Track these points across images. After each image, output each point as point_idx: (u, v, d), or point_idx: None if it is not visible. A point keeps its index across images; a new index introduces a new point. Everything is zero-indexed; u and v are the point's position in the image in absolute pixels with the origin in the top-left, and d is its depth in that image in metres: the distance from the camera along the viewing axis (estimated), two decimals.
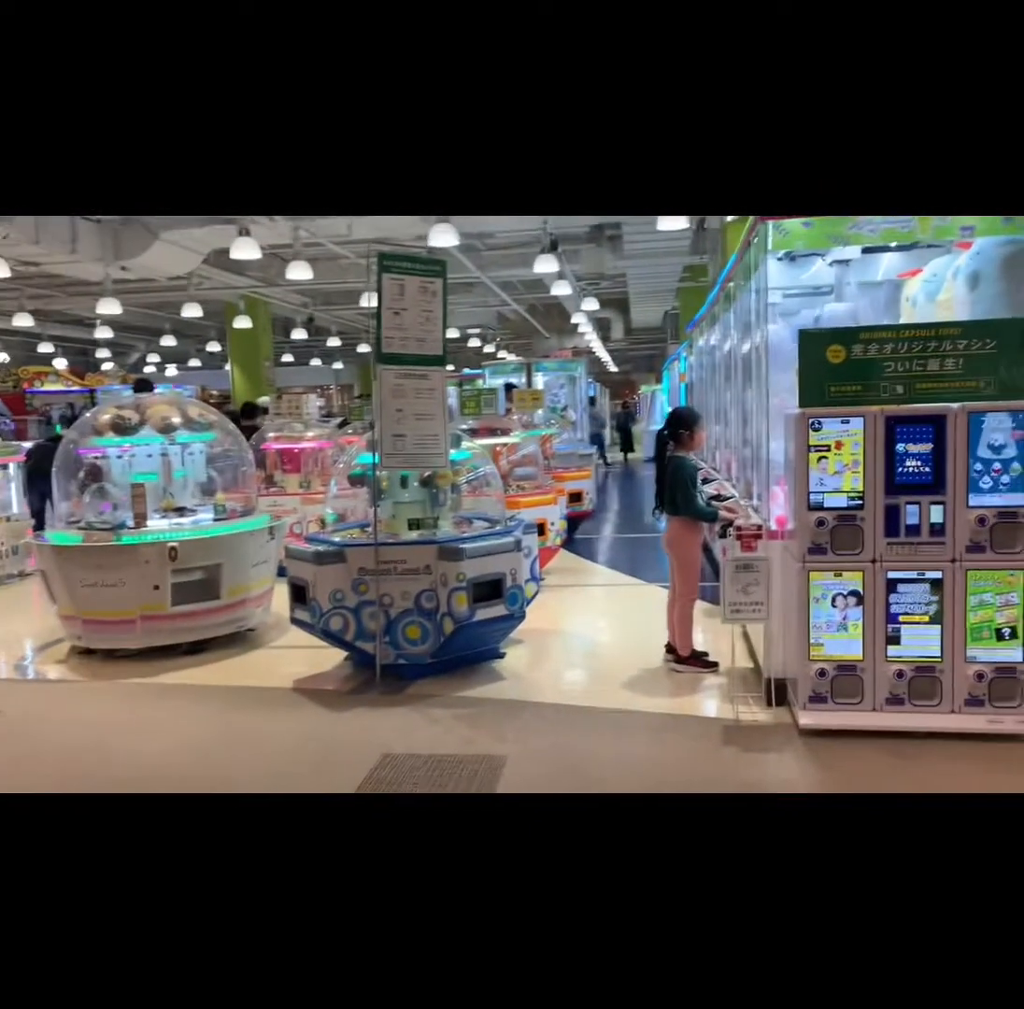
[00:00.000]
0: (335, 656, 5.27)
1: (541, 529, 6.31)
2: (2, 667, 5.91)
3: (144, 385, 9.95)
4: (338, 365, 26.70)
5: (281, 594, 6.09)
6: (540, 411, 9.21)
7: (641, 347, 28.82)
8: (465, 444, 5.59)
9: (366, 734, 4.14)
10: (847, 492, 3.80)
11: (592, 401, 21.67)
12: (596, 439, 20.38)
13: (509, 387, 9.47)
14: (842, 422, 3.78)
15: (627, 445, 21.66)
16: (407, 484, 5.04)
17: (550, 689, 4.80)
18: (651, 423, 21.18)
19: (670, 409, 8.58)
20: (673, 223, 9.20)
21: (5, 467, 8.74)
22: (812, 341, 3.85)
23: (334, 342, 20.31)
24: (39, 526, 8.89)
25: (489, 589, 4.78)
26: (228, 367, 18.24)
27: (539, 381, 10.85)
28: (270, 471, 8.46)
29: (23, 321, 14.05)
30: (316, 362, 24.63)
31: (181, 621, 5.50)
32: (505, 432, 7.47)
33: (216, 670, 5.32)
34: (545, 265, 11.17)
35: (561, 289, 13.25)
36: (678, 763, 3.75)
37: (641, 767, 3.69)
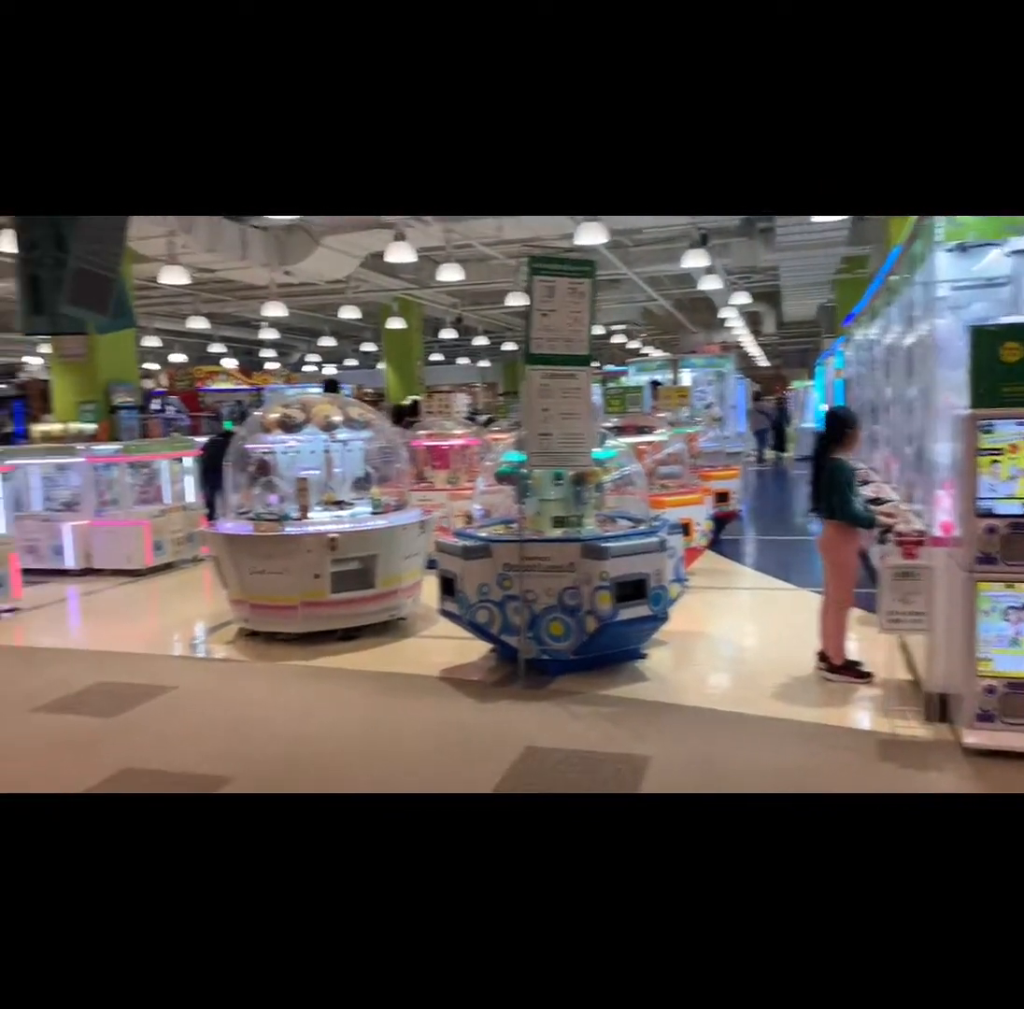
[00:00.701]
0: (480, 647, 5.42)
1: (686, 529, 6.23)
2: (178, 645, 6.45)
3: (332, 386, 10.58)
4: (484, 363, 27.23)
5: (430, 586, 6.33)
6: (686, 409, 9.06)
7: (793, 342, 27.77)
8: (610, 442, 5.60)
9: (509, 726, 4.24)
10: (1022, 499, 3.55)
11: (757, 396, 21.03)
12: (760, 436, 19.78)
13: (655, 384, 9.38)
14: (1018, 424, 3.53)
15: (780, 443, 20.95)
16: (560, 480, 5.08)
17: (693, 692, 4.75)
18: (803, 420, 20.34)
19: (826, 408, 8.23)
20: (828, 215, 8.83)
21: (182, 461, 9.47)
22: (985, 338, 3.61)
23: (481, 341, 20.72)
24: (211, 516, 9.61)
25: (632, 589, 4.77)
26: (382, 366, 18.98)
27: (686, 378, 10.67)
28: (420, 467, 8.76)
29: (198, 324, 15.16)
30: (463, 360, 25.21)
31: (338, 608, 5.81)
32: (650, 430, 7.41)
33: (368, 656, 5.59)
34: (694, 260, 10.99)
35: (710, 284, 12.97)
36: (830, 775, 3.63)
37: (790, 777, 3.60)
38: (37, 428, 11.11)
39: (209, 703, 4.84)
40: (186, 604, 7.83)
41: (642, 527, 5.19)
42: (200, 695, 4.98)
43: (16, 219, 7.08)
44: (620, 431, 6.94)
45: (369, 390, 21.86)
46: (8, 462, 7.61)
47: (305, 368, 25.75)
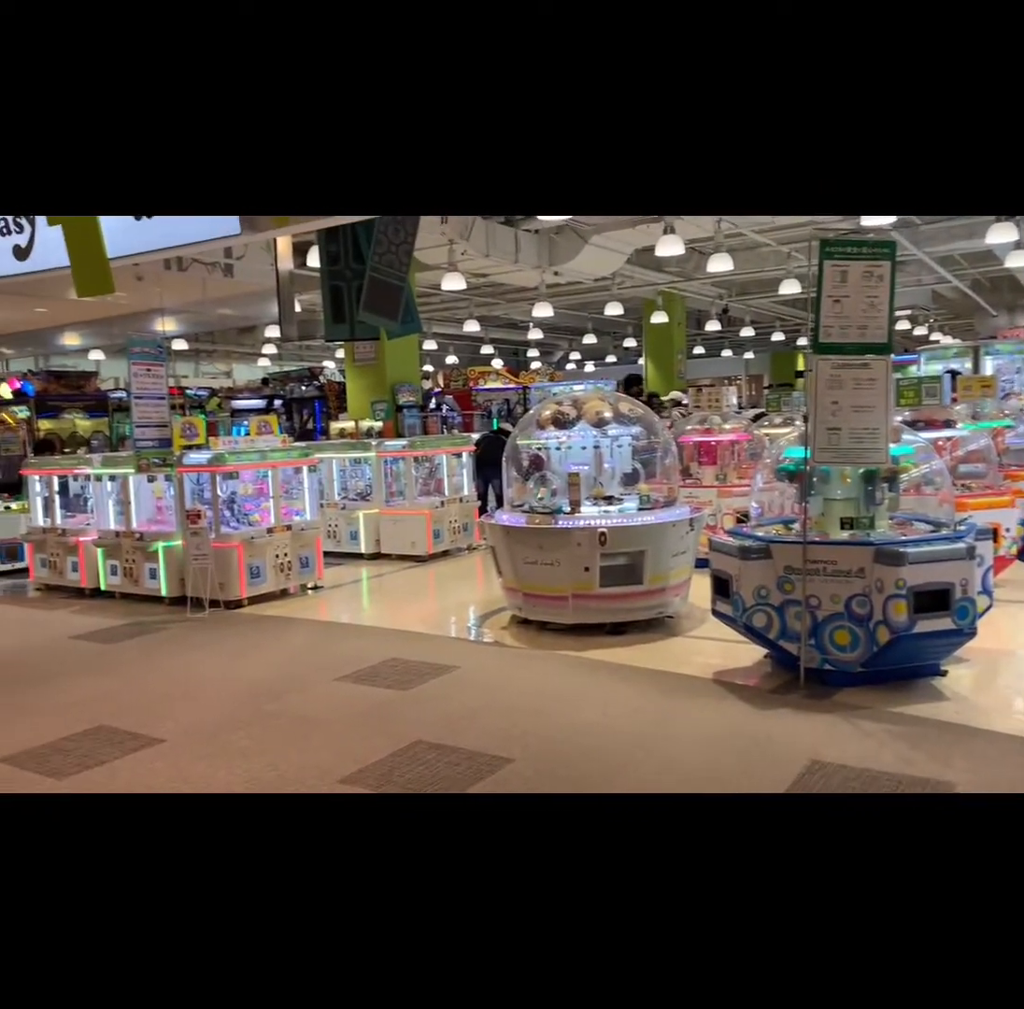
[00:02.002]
0: (752, 651, 5.22)
1: (994, 535, 5.57)
2: (457, 628, 6.85)
3: (635, 380, 10.83)
4: (749, 355, 26.26)
5: (698, 585, 6.20)
6: (990, 401, 8.09)
7: None
8: (907, 437, 5.14)
9: (792, 737, 4.04)
10: None
11: None
12: None
13: (953, 374, 8.48)
14: None
15: None
16: (872, 480, 4.72)
17: (1001, 717, 4.24)
18: None
19: None
20: None
21: (459, 456, 10.06)
22: None
23: (747, 332, 19.99)
24: (484, 508, 10.13)
25: (933, 599, 4.34)
26: (642, 361, 18.95)
27: (988, 366, 9.55)
28: (686, 463, 8.61)
29: (471, 327, 16.04)
30: (727, 353, 24.47)
31: (607, 602, 5.87)
32: (949, 424, 6.71)
33: (637, 652, 5.58)
34: (1000, 234, 9.82)
35: (1020, 260, 11.52)
36: None
37: None
38: (334, 425, 12.37)
39: (488, 685, 5.08)
40: (463, 589, 8.31)
41: (945, 531, 4.71)
42: (480, 676, 5.24)
43: (320, 234, 7.92)
44: (910, 426, 6.35)
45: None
46: (316, 456, 8.49)
47: (567, 366, 26.35)
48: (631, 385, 11.50)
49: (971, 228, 12.02)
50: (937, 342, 18.31)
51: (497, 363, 21.14)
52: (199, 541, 7.03)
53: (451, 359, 22.33)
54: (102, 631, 6.84)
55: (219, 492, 7.45)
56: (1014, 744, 3.88)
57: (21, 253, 6.03)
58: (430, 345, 18.76)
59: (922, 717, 4.20)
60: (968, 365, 9.79)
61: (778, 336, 21.54)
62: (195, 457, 7.54)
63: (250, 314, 15.37)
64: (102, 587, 8.15)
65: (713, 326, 17.61)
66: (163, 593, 7.64)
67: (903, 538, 4.60)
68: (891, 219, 8.97)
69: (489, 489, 10.81)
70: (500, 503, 8.47)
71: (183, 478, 7.52)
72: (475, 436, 11.57)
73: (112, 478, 8.09)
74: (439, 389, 17.61)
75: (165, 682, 5.39)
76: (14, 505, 9.79)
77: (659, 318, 16.35)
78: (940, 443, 6.38)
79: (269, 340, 17.23)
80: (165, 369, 7.77)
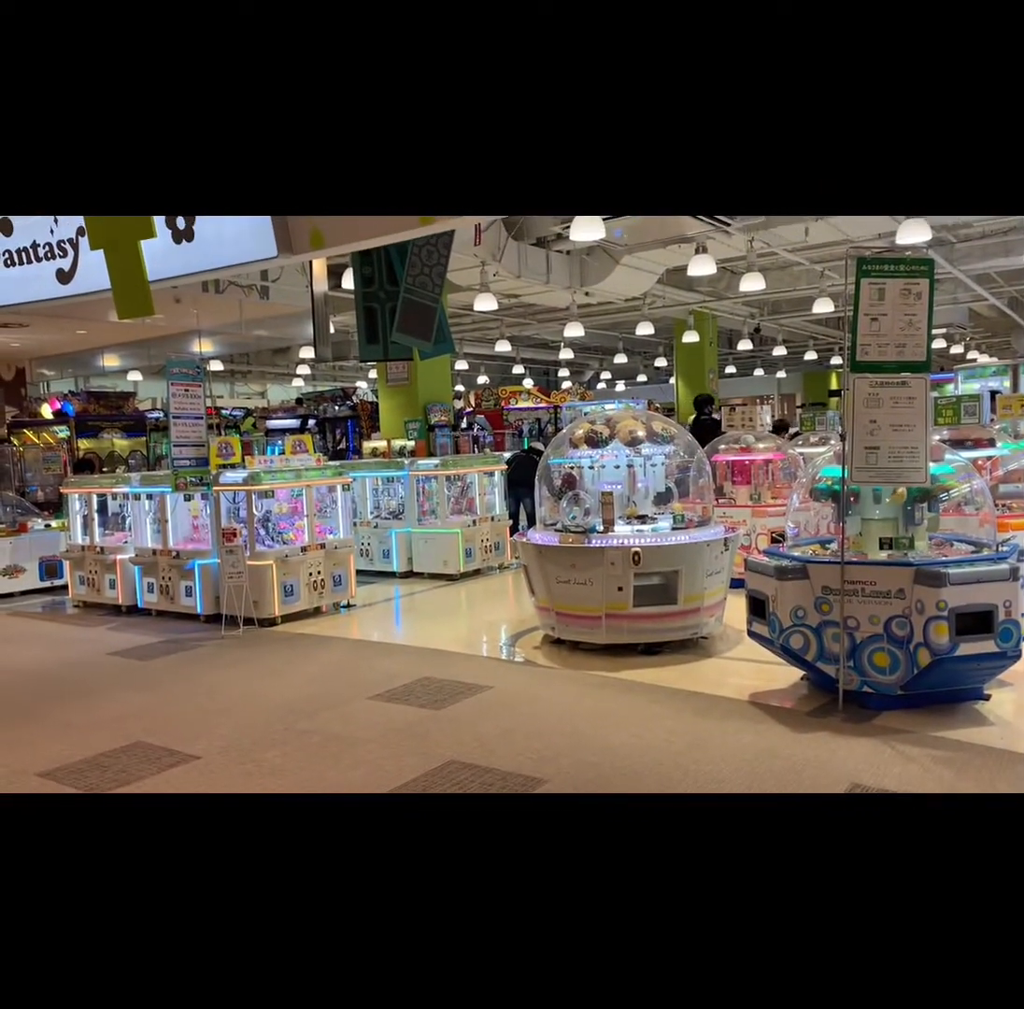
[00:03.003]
0: (789, 673, 5.14)
1: None
2: (490, 647, 6.84)
3: (706, 400, 10.86)
4: (781, 374, 26.11)
5: (733, 606, 6.13)
6: None
7: None
8: (947, 457, 5.07)
9: (831, 760, 3.96)
10: None
11: None
12: None
13: (992, 394, 8.37)
14: None
15: None
16: (909, 500, 4.66)
17: None
18: None
19: None
20: None
21: (491, 475, 10.08)
22: None
23: (779, 351, 19.89)
24: (515, 527, 10.13)
25: (976, 621, 4.26)
26: (672, 381, 18.91)
27: None
28: (720, 482, 8.55)
29: (502, 347, 16.13)
30: (759, 372, 24.35)
31: (640, 622, 5.83)
32: (988, 443, 6.61)
33: (671, 673, 5.53)
34: None
35: None
36: None
37: None
38: (367, 445, 12.46)
39: (522, 705, 5.05)
40: (495, 608, 8.30)
41: (986, 552, 4.62)
42: (513, 696, 5.22)
43: (354, 257, 8.02)
44: (951, 445, 6.26)
45: (658, 405, 21.87)
46: (350, 475, 8.56)
47: (598, 385, 26.36)
48: (703, 405, 11.53)
49: (1007, 245, 11.90)
50: (974, 360, 18.07)
51: (528, 383, 21.22)
52: (234, 559, 7.10)
53: (482, 379, 22.45)
54: (139, 648, 6.92)
55: (255, 511, 7.53)
56: None
57: (64, 277, 6.17)
58: (462, 365, 18.89)
59: (966, 742, 4.11)
60: (1006, 384, 9.65)
61: (811, 355, 21.40)
62: (231, 476, 7.63)
63: (285, 335, 15.60)
64: (139, 604, 8.26)
65: (745, 345, 17.54)
66: (199, 611, 7.72)
67: (944, 558, 4.52)
68: (926, 237, 8.90)
69: (520, 508, 10.81)
70: (531, 522, 8.47)
71: (219, 496, 7.62)
72: (507, 455, 11.60)
73: (149, 497, 8.21)
74: (471, 409, 17.69)
75: (200, 699, 5.43)
76: (54, 523, 9.98)
77: (690, 337, 16.33)
78: (980, 463, 6.28)
79: (303, 360, 17.46)
80: (203, 389, 7.89)
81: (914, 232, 8.67)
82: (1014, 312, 17.05)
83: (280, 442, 10.46)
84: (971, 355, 20.45)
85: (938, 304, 16.36)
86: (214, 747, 4.51)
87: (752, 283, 10.82)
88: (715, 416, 10.76)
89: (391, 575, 9.54)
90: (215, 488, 7.63)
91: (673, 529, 6.08)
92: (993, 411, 7.26)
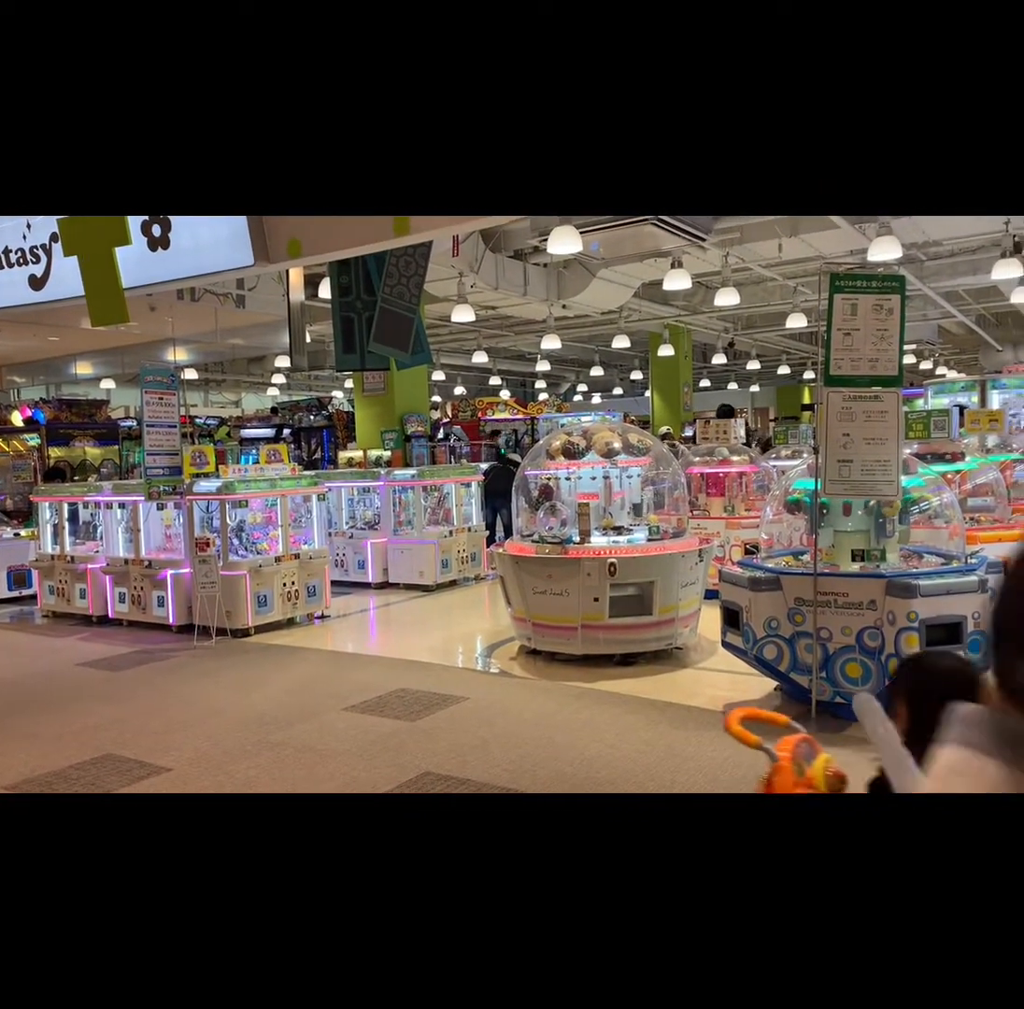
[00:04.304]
0: (762, 683, 5.18)
1: (1004, 569, 5.54)
2: (465, 658, 6.82)
3: (728, 411, 10.87)
4: (754, 388, 26.37)
5: (706, 617, 6.17)
6: (996, 435, 8.14)
7: None
8: (919, 470, 5.15)
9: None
10: None
11: None
12: None
13: (960, 409, 8.51)
14: None
15: None
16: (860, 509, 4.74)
17: None
18: None
19: None
20: None
21: (468, 485, 10.08)
22: None
23: (753, 365, 20.11)
24: (491, 538, 10.13)
25: (946, 632, 4.32)
26: (648, 393, 19.05)
27: (995, 400, 9.59)
28: (694, 494, 8.62)
29: (479, 358, 16.16)
30: (733, 386, 24.59)
31: (616, 633, 5.85)
32: (956, 457, 6.72)
33: (647, 683, 5.55)
34: (1006, 270, 9.90)
35: (1023, 296, 11.61)
36: None
37: None
38: (342, 455, 12.42)
39: (497, 716, 5.04)
40: (471, 619, 8.28)
41: (955, 564, 4.70)
42: (489, 707, 5.21)
43: (331, 266, 8.01)
44: (921, 458, 6.35)
45: (634, 418, 21.99)
46: (325, 485, 8.52)
47: (575, 397, 26.48)
48: (724, 418, 11.61)
49: (975, 264, 12.13)
50: (943, 376, 18.39)
51: (505, 394, 21.26)
52: (207, 569, 7.04)
53: (459, 390, 22.46)
54: (109, 658, 6.82)
55: (228, 520, 7.47)
56: None
57: (36, 283, 6.11)
58: (438, 376, 18.88)
59: None
60: (974, 399, 9.81)
61: (784, 369, 21.66)
62: (205, 485, 7.57)
63: (261, 344, 15.51)
64: (110, 614, 8.15)
65: (719, 359, 17.72)
66: (171, 621, 7.63)
67: (915, 570, 4.58)
68: (897, 254, 9.05)
69: (497, 519, 10.82)
70: (508, 533, 8.48)
71: (192, 506, 7.55)
72: (484, 466, 11.61)
73: (122, 505, 8.12)
74: (448, 419, 17.70)
75: (172, 710, 5.36)
76: (24, 532, 9.83)
77: (666, 351, 16.47)
78: (949, 476, 6.38)
79: (278, 370, 17.37)
80: (177, 398, 7.84)
81: (885, 249, 8.81)
82: (982, 329, 17.38)
83: (255, 451, 10.39)
84: (940, 371, 20.80)
85: (909, 321, 16.62)
86: (185, 759, 4.46)
87: (727, 298, 10.94)
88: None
89: (366, 586, 9.49)
90: (188, 497, 7.56)
91: (648, 540, 6.12)
92: (962, 425, 7.39)
